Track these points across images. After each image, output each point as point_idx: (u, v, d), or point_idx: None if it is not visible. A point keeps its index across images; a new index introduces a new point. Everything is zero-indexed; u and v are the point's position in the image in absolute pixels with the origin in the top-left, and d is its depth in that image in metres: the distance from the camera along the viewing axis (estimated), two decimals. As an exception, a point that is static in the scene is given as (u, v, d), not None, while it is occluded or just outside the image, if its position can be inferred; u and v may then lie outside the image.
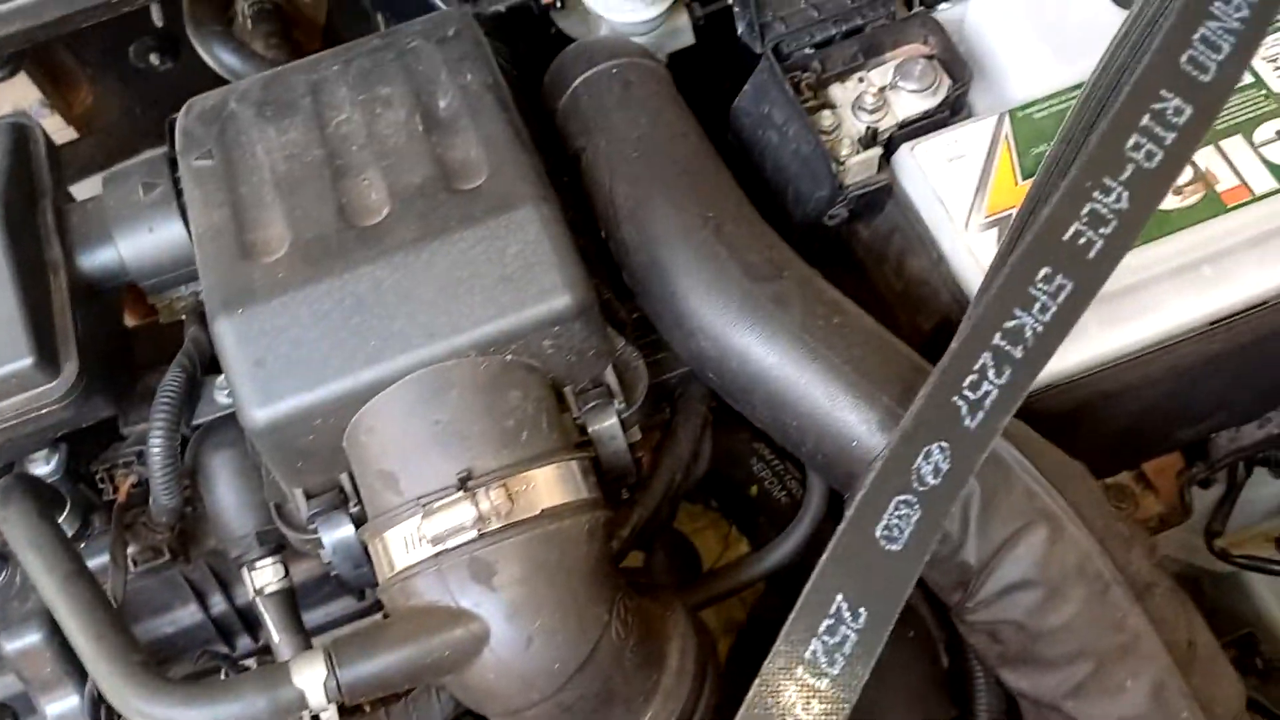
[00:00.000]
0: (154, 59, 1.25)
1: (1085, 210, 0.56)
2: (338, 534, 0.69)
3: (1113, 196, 0.56)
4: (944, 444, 0.53)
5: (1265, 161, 0.78)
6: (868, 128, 0.82)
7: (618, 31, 1.00)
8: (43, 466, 0.78)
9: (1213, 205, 0.77)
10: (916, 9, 0.94)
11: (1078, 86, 0.79)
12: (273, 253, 0.69)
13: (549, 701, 0.65)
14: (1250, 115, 0.80)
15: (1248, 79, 0.81)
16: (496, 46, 0.89)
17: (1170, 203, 0.77)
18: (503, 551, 0.64)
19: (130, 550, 0.78)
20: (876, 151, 0.81)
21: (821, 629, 0.48)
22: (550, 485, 0.66)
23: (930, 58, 0.84)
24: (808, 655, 0.49)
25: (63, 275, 0.75)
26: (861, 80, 0.85)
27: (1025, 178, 0.79)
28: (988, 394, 0.54)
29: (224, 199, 0.72)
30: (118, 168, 0.79)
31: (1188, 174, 0.78)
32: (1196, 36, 0.59)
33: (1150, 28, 0.59)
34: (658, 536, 0.91)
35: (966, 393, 0.54)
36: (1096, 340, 0.77)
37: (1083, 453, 0.89)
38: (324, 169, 0.72)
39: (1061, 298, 0.55)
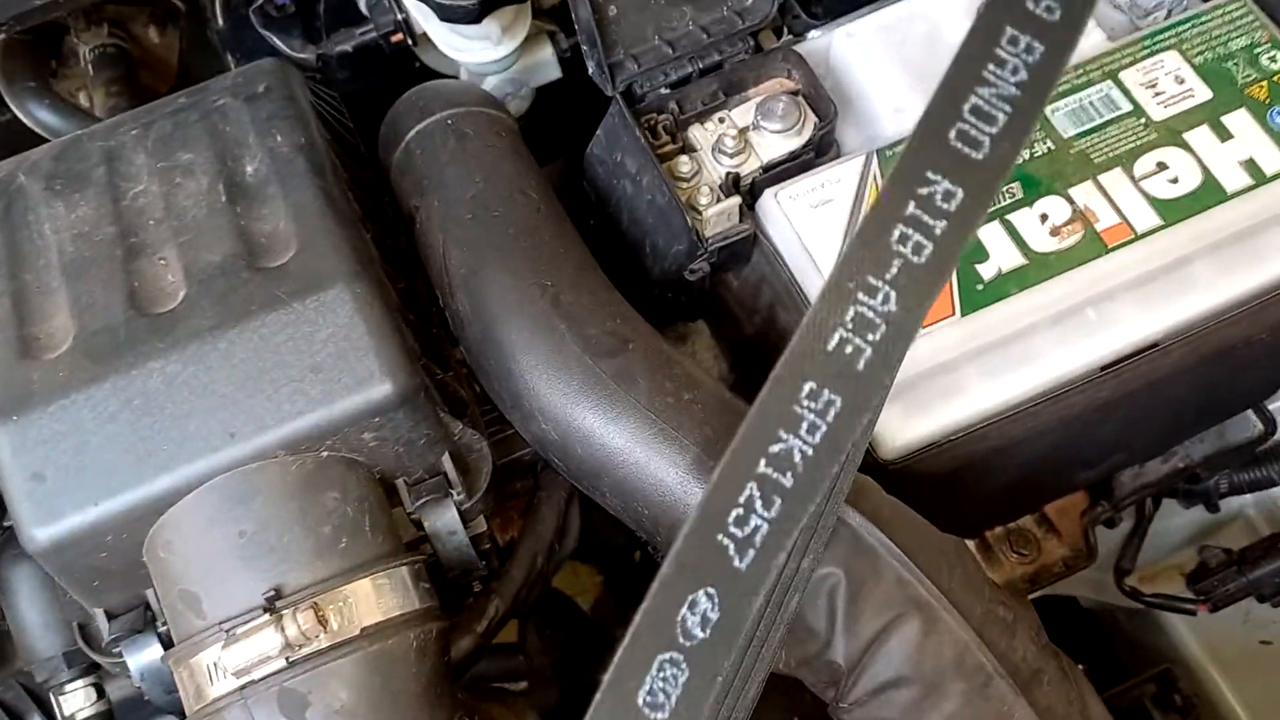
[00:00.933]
0: (-11, 110, 1.16)
1: (850, 315, 0.49)
2: (144, 658, 0.62)
3: (879, 298, 0.49)
4: (711, 589, 0.45)
5: (1147, 196, 0.73)
6: (728, 173, 0.76)
7: (472, 72, 0.93)
8: None
9: (1094, 246, 0.72)
10: (785, 38, 0.89)
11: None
12: (55, 348, 0.62)
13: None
14: (1130, 146, 0.74)
15: (1126, 106, 0.76)
16: (328, 95, 0.82)
17: (1048, 245, 0.72)
18: (316, 680, 0.57)
19: (-76, 680, 0.71)
20: (735, 200, 0.74)
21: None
22: (373, 599, 0.59)
23: (794, 94, 0.79)
24: None
25: None
26: (723, 121, 0.79)
27: (896, 222, 0.73)
28: (758, 529, 0.46)
29: (4, 288, 0.64)
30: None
31: (1065, 213, 0.73)
32: (967, 107, 0.51)
33: None
34: (531, 612, 0.84)
35: (733, 530, 0.46)
36: (977, 395, 0.72)
37: (971, 508, 0.84)
38: (115, 249, 0.65)
39: (831, 415, 0.47)
